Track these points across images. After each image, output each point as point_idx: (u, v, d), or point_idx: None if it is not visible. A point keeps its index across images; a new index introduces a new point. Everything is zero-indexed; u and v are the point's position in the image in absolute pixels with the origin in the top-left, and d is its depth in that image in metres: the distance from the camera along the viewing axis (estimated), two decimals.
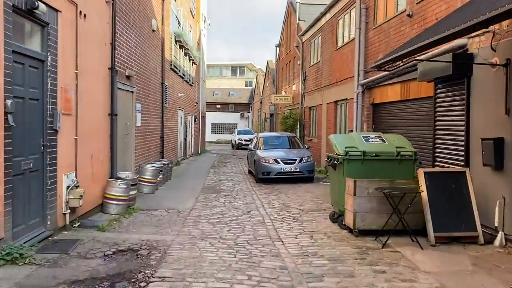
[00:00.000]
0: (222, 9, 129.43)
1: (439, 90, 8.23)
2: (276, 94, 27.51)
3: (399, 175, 7.08)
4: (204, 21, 32.04)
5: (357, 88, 12.48)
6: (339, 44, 15.12)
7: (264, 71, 42.37)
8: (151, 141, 13.06)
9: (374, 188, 6.57)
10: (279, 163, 13.44)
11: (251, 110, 48.94)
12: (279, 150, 14.58)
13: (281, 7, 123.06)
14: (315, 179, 13.91)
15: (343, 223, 7.11)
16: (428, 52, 7.81)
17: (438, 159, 8.21)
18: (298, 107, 21.38)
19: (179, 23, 18.24)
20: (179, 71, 18.12)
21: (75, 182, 6.58)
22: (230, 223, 7.69)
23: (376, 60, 11.62)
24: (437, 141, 8.30)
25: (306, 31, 19.84)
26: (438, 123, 8.26)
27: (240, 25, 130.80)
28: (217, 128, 50.41)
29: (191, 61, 22.46)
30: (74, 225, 6.74)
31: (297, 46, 21.89)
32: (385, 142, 7.41)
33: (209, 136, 47.82)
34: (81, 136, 7.09)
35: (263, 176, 13.51)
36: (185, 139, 21.50)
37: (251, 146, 15.96)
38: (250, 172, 16.23)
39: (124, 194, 8.10)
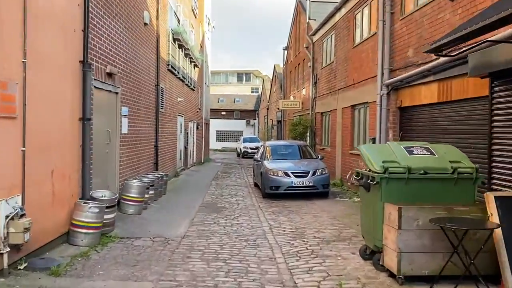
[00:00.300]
0: (227, 17, 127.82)
1: (497, 88, 6.45)
2: (284, 99, 25.76)
3: (455, 199, 5.31)
4: (208, 24, 30.54)
5: (381, 90, 10.70)
6: (357, 41, 13.38)
7: (271, 77, 40.78)
8: (142, 150, 11.36)
9: (428, 220, 4.78)
10: (289, 176, 11.66)
11: (257, 117, 47.27)
12: (289, 161, 12.81)
13: (288, 12, 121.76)
14: (330, 194, 12.13)
15: (381, 263, 5.32)
16: (480, 41, 6.05)
17: (498, 176, 6.40)
18: (308, 113, 19.61)
19: (178, 21, 16.63)
20: (178, 73, 16.48)
21: (19, 209, 4.86)
22: (230, 260, 5.91)
23: (404, 56, 9.90)
24: (495, 153, 6.50)
25: (318, 30, 18.14)
26: (496, 129, 6.48)
27: (246, 32, 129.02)
28: (222, 136, 48.75)
29: (193, 64, 20.84)
30: (19, 267, 5.01)
31: (307, 47, 20.20)
32: (434, 155, 5.62)
33: (214, 144, 46.24)
34: (34, 147, 5.39)
35: (271, 191, 11.74)
36: (185, 148, 19.82)
37: (257, 156, 14.21)
38: (256, 185, 14.47)
39: (96, 220, 6.37)
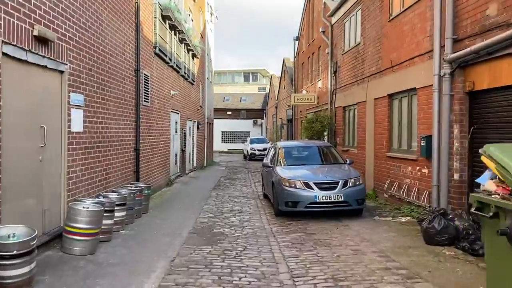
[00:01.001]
0: (228, 19, 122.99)
1: None
2: (296, 93, 22.70)
3: None
4: (211, 14, 27.73)
5: (440, 69, 7.69)
6: (395, 11, 10.36)
7: (278, 75, 37.83)
8: (113, 156, 8.45)
9: None
10: (311, 188, 8.66)
11: (265, 116, 44.26)
12: (309, 167, 9.82)
13: (292, 10, 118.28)
14: (364, 211, 9.14)
15: None
16: None
17: None
18: (326, 108, 16.60)
19: None
20: (171, 60, 13.58)
21: None
22: None
23: (480, 17, 6.85)
24: None
25: (338, 9, 15.13)
26: None
27: (248, 35, 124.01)
28: (228, 137, 45.80)
29: (191, 53, 17.94)
30: None
31: (323, 32, 17.19)
32: None
33: (219, 146, 43.42)
34: None
35: (287, 209, 8.77)
36: (182, 151, 16.91)
37: (267, 161, 11.25)
38: (265, 196, 11.55)
39: None
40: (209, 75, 26.71)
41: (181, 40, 15.43)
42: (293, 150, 11.04)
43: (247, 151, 31.74)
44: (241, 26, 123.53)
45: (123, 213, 7.29)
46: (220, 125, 43.52)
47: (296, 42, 25.12)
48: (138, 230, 7.48)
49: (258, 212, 9.79)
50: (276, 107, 34.59)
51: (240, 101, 47.60)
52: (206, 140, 24.42)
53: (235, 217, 9.18)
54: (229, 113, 45.58)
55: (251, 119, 45.49)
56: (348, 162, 10.27)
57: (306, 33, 22.38)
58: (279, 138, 30.46)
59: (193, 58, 18.75)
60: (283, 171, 9.47)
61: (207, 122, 25.33)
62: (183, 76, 16.18)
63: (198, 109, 21.42)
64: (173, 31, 13.87)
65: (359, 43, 12.95)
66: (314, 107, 19.15)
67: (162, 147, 13.04)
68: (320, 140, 15.45)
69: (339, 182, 8.72)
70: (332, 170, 9.49)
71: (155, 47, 11.64)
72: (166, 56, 12.81)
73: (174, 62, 14.08)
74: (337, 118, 15.46)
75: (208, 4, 25.61)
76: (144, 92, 10.62)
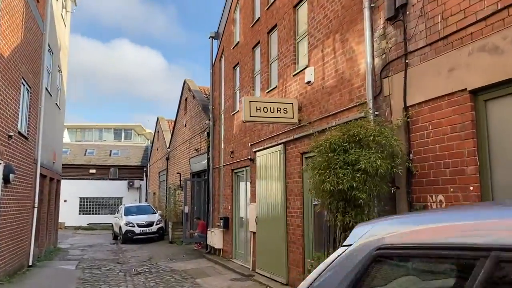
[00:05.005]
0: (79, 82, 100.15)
1: None
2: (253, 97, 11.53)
3: None
4: None
5: None
6: None
7: (170, 117, 26.94)
8: None
9: None
10: None
11: (147, 175, 32.00)
12: None
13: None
14: None
15: None
16: None
17: None
18: (343, 124, 6.21)
19: None
20: None
21: None
22: None
23: None
24: None
25: None
26: None
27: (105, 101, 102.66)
28: (89, 205, 31.83)
29: None
30: None
31: None
32: None
33: (75, 219, 29.72)
34: None
35: None
36: None
37: None
38: None
39: None
40: (53, 89, 14.67)
41: None
42: None
43: (120, 228, 19.40)
44: (92, 92, 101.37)
45: None
46: (78, 188, 30.02)
47: (216, 42, 15.01)
48: None
49: None
50: (167, 159, 23.17)
51: (110, 155, 34.54)
52: (36, 209, 11.87)
53: None
54: (92, 171, 32.12)
55: (125, 179, 32.60)
56: None
57: (245, 8, 12.42)
58: (177, 205, 18.85)
59: None
60: None
61: (42, 175, 12.92)
62: None
63: (10, 136, 9.25)
64: None
65: None
66: (288, 131, 8.75)
67: None
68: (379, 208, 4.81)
69: None
70: None
71: None
72: None
73: None
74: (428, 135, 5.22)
75: None
76: None
